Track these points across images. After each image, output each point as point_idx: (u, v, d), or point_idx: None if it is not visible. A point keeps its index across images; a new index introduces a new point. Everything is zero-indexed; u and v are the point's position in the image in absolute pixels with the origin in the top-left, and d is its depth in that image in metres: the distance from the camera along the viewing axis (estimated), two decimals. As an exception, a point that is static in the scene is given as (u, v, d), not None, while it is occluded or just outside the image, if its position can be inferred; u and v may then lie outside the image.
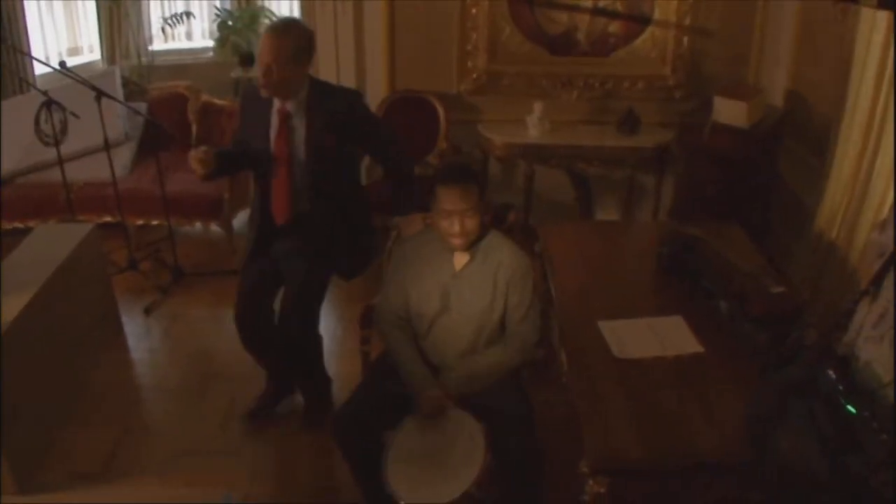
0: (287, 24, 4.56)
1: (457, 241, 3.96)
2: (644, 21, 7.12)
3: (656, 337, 4.10)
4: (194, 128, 7.97)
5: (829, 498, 2.64)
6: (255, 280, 5.02)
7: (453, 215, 3.89)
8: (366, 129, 4.87)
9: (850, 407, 2.62)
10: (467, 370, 4.01)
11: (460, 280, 4.04)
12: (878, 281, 2.79)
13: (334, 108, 4.70)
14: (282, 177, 4.81)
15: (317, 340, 5.23)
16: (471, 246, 4.02)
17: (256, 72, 4.52)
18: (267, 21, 9.57)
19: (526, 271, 4.04)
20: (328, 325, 5.97)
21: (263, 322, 5.07)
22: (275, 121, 4.72)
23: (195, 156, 4.62)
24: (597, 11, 7.12)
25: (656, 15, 7.08)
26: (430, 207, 4.03)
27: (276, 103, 4.68)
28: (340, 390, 5.39)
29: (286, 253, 4.96)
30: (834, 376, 2.71)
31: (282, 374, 5.42)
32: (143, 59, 9.21)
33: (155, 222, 7.24)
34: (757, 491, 3.26)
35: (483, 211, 3.94)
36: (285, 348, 5.07)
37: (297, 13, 9.59)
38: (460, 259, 4.05)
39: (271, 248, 5.03)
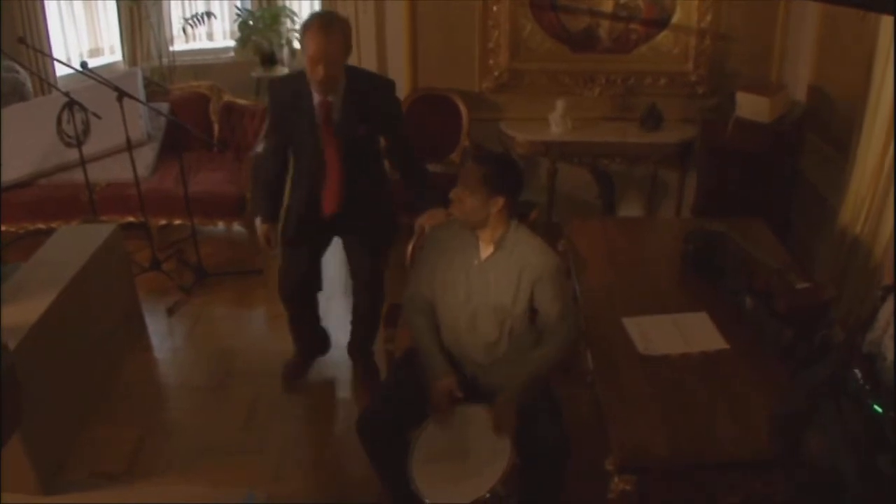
0: (331, 20, 4.55)
1: (454, 210, 4.02)
2: (661, 24, 7.10)
3: (681, 333, 4.09)
4: (216, 128, 7.98)
5: (857, 498, 2.61)
6: (302, 271, 5.30)
7: (458, 185, 3.96)
8: (392, 119, 4.96)
9: (876, 407, 2.60)
10: (520, 385, 3.93)
11: (484, 270, 4.03)
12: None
13: (370, 97, 4.78)
14: (334, 168, 4.88)
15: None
16: (471, 227, 4.04)
17: (308, 69, 4.57)
18: (288, 21, 9.58)
19: (555, 270, 4.00)
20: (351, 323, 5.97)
21: (310, 303, 5.53)
22: (319, 114, 4.74)
23: (266, 240, 5.31)
24: (616, 17, 7.09)
25: (678, 12, 7.05)
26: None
27: (317, 97, 4.70)
28: (365, 389, 5.42)
29: (348, 243, 5.29)
30: (860, 375, 2.68)
31: (313, 341, 5.80)
32: (165, 60, 9.22)
33: (178, 222, 7.24)
34: (784, 489, 3.25)
35: (486, 198, 3.89)
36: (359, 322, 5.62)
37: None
38: (485, 249, 4.04)
39: (321, 237, 5.28)
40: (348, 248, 5.29)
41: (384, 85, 4.97)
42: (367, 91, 4.79)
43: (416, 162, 5.16)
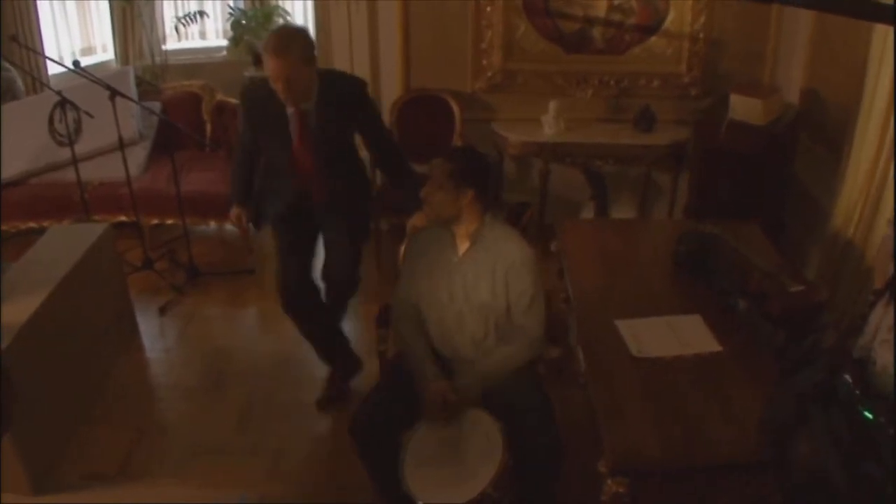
0: (286, 40, 4.62)
1: (425, 208, 4.11)
2: (655, 26, 7.11)
3: (675, 336, 4.08)
4: (208, 127, 7.97)
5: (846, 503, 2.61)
6: (295, 277, 5.24)
7: (427, 182, 4.04)
8: (367, 117, 5.06)
9: (866, 413, 2.59)
10: (479, 372, 4.02)
11: (463, 267, 4.08)
12: (894, 282, 2.76)
13: (342, 97, 4.88)
14: (308, 168, 5.00)
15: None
16: (439, 222, 4.10)
17: (272, 84, 4.68)
18: (281, 20, 9.56)
19: (526, 261, 4.03)
20: (344, 324, 5.95)
21: (315, 302, 5.38)
22: (294, 123, 4.84)
23: (237, 220, 5.41)
24: (610, 23, 7.11)
25: (671, 13, 7.06)
26: None
27: (290, 108, 4.80)
28: (358, 390, 5.40)
29: (328, 234, 5.29)
30: (850, 381, 2.67)
31: (334, 350, 5.63)
32: (157, 59, 9.19)
33: (169, 222, 7.23)
34: (777, 492, 3.24)
35: (454, 193, 3.96)
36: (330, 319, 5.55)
37: (310, 13, 9.57)
38: (462, 245, 4.10)
39: (305, 236, 5.33)
40: (328, 241, 5.31)
41: (356, 84, 5.08)
42: (340, 94, 4.89)
43: (402, 160, 5.23)
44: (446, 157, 4.07)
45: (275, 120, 4.87)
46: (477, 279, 4.04)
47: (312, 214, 5.23)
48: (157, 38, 9.27)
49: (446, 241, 4.13)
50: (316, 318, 5.41)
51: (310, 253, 5.36)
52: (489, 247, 4.04)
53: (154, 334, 6.43)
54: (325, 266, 5.28)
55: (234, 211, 5.33)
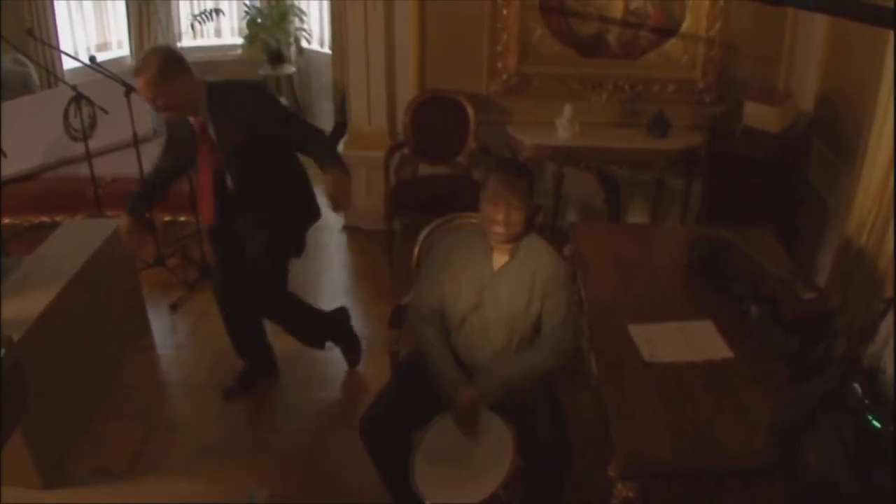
0: (144, 60, 4.64)
1: (498, 230, 3.90)
2: (671, 32, 7.11)
3: (686, 341, 4.08)
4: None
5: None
6: (228, 272, 5.35)
7: (500, 203, 3.85)
8: (273, 119, 4.90)
9: (875, 422, 2.59)
10: (503, 376, 3.98)
11: (498, 279, 4.02)
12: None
13: (236, 106, 4.83)
14: (205, 184, 5.07)
15: (295, 304, 5.52)
16: (510, 241, 3.98)
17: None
18: (297, 19, 9.60)
19: (565, 277, 4.03)
20: (356, 323, 5.95)
21: (241, 304, 5.39)
22: (197, 132, 4.90)
23: (126, 233, 5.16)
24: (626, 24, 7.10)
25: (687, 17, 7.05)
26: (476, 206, 4.00)
27: (192, 119, 4.86)
28: (368, 389, 5.40)
29: (244, 234, 5.21)
30: (860, 389, 2.67)
31: (256, 354, 5.72)
32: (173, 56, 9.24)
33: (182, 218, 7.24)
34: (786, 497, 3.24)
35: (528, 210, 3.90)
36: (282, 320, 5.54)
37: (326, 12, 9.60)
38: (500, 258, 4.03)
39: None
40: (246, 253, 5.25)
41: (246, 89, 5.06)
42: (232, 101, 4.85)
43: (328, 147, 5.20)
44: (519, 172, 3.99)
45: (186, 130, 4.94)
46: (512, 292, 4.01)
47: (235, 226, 5.23)
48: (173, 35, 9.34)
49: (480, 251, 4.07)
50: (242, 319, 5.50)
51: (239, 258, 5.31)
52: (527, 258, 4.01)
53: (165, 331, 6.44)
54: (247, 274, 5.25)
55: (124, 219, 5.14)
